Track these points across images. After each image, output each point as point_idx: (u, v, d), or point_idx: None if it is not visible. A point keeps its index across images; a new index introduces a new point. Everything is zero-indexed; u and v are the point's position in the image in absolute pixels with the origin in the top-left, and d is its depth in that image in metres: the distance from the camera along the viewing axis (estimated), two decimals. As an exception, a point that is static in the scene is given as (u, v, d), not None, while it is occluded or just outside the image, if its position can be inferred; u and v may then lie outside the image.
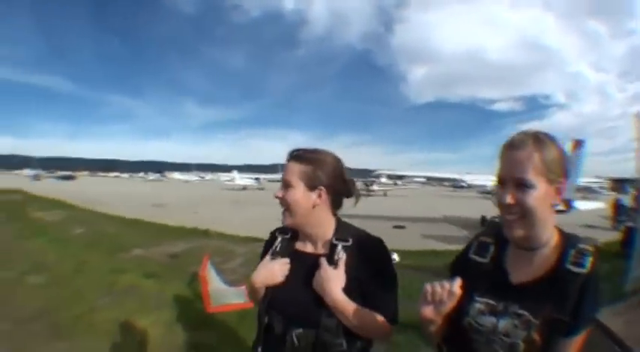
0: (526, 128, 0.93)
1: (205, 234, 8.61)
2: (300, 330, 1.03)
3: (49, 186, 29.61)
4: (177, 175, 77.18)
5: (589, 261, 0.82)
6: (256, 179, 42.28)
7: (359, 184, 1.27)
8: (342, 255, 1.07)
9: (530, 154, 0.82)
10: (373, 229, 1.18)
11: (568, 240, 0.87)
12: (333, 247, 1.09)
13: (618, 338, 3.34)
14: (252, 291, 1.15)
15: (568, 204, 10.44)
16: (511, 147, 0.85)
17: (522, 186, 0.82)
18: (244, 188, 36.43)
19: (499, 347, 0.85)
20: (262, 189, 37.19)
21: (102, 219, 10.80)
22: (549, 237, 0.88)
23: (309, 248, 1.15)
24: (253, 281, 1.12)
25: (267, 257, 1.16)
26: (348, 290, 1.03)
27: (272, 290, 1.10)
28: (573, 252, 0.83)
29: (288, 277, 1.10)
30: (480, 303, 0.91)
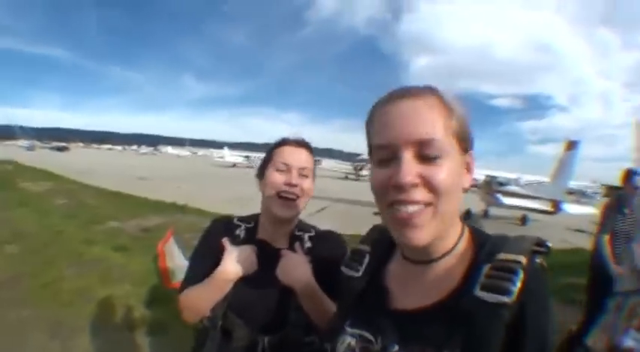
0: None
1: (182, 209, 8.70)
2: (271, 337, 0.91)
3: (41, 157, 29.70)
4: (170, 149, 78.63)
5: (518, 282, 0.47)
6: (246, 157, 42.74)
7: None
8: (308, 244, 1.02)
9: (434, 104, 0.52)
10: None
11: (482, 247, 0.54)
12: (295, 238, 1.03)
13: None
14: (218, 288, 0.92)
15: (557, 205, 9.68)
16: (401, 97, 0.52)
17: (429, 154, 0.50)
18: (234, 165, 36.80)
19: None
20: (251, 167, 37.48)
21: (85, 190, 11.02)
22: (455, 241, 0.56)
23: (272, 241, 1.03)
24: (227, 272, 0.91)
25: (227, 244, 0.96)
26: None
27: (232, 289, 0.93)
28: (487, 267, 0.50)
29: (250, 273, 0.95)
30: (350, 336, 0.61)
